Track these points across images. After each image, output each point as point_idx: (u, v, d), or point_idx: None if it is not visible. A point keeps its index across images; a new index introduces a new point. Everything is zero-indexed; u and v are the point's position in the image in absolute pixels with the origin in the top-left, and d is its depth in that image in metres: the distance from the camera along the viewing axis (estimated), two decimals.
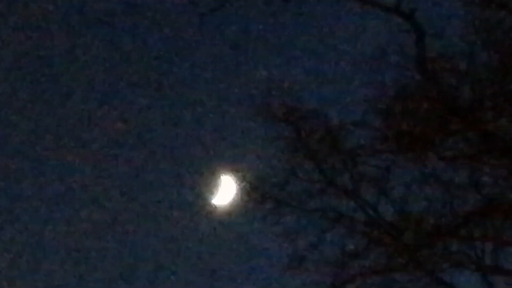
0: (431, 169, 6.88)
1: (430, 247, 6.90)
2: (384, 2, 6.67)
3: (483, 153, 6.75)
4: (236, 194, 6.88)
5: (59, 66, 9.44)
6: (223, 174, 6.90)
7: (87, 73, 9.10)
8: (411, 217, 6.81)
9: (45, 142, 9.67)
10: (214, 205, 7.00)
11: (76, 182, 9.74)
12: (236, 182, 6.88)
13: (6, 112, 9.55)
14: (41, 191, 9.83)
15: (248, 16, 7.02)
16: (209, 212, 7.12)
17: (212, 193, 6.95)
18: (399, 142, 6.87)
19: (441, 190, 6.85)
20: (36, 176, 9.84)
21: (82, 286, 9.47)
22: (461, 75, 6.79)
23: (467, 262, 7.05)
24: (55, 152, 9.62)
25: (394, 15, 6.62)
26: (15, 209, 9.83)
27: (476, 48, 6.74)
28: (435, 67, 6.73)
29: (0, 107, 9.37)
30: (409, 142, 6.75)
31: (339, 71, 6.87)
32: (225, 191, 6.90)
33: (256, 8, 6.74)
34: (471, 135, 6.84)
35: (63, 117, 9.57)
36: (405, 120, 6.80)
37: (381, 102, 6.79)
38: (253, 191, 6.86)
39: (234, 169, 6.95)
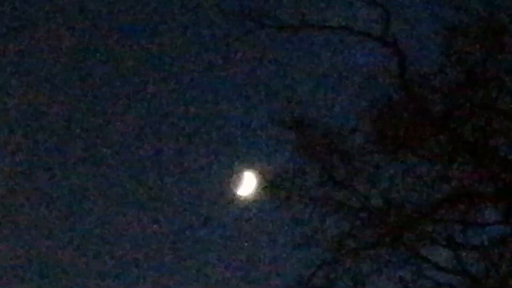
0: (411, 166, 8.55)
1: (411, 228, 8.58)
2: (372, 33, 8.31)
3: (452, 153, 8.41)
4: (256, 187, 8.58)
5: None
6: (246, 170, 8.61)
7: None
8: (395, 204, 8.48)
9: None
10: (238, 195, 8.73)
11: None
12: (256, 177, 8.57)
13: None
14: None
15: None
16: (234, 201, 8.88)
17: (237, 185, 8.67)
18: (385, 145, 8.54)
19: (419, 182, 8.51)
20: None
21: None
22: (435, 91, 8.45)
23: (440, 239, 8.75)
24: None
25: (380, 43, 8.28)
26: None
27: (447, 68, 8.40)
28: (414, 84, 8.39)
29: None
30: (394, 145, 8.41)
31: (338, 89, 8.53)
32: (248, 184, 8.60)
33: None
34: (443, 139, 8.50)
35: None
36: (390, 127, 8.46)
37: (371, 113, 8.45)
38: (269, 185, 8.56)
39: (254, 167, 8.65)
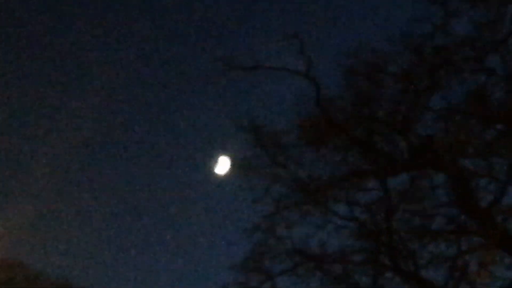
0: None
1: None
2: (297, 69, 13.34)
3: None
4: (228, 168, 13.76)
5: None
6: (221, 155, 13.80)
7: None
8: None
9: None
10: (216, 173, 13.90)
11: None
12: (228, 161, 13.75)
13: None
14: None
15: None
16: (212, 178, 14.15)
17: (214, 165, 13.86)
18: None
19: None
20: None
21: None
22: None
23: None
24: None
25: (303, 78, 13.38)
26: None
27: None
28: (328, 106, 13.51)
29: None
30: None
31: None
32: (222, 165, 13.75)
33: None
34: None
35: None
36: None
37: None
38: (236, 166, 13.71)
39: (226, 154, 13.84)
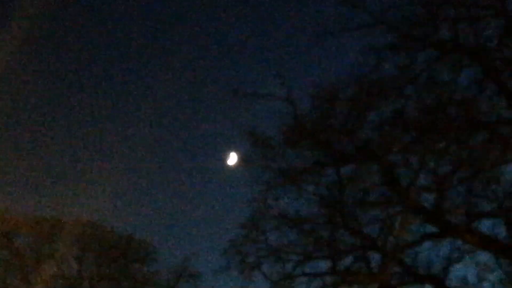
0: None
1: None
2: (281, 96, 20.32)
3: None
4: (237, 161, 20.91)
5: None
6: (232, 152, 20.97)
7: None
8: None
9: None
10: (228, 165, 21.09)
11: None
12: (236, 156, 20.91)
13: None
14: None
15: None
16: (225, 168, 21.38)
17: (227, 159, 21.03)
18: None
19: None
20: None
21: None
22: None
23: None
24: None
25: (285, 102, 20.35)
26: None
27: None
28: (301, 119, 20.53)
29: None
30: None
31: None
32: (233, 158, 20.93)
33: None
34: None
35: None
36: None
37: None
38: (243, 159, 20.87)
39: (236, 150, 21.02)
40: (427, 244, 19.73)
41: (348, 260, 20.38)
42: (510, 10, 17.35)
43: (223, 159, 21.62)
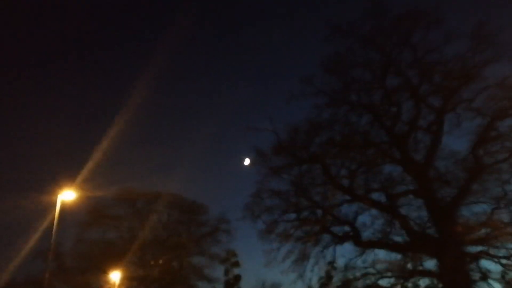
0: None
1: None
2: (270, 128, 39.33)
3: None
4: (249, 163, 39.97)
5: None
6: (247, 158, 40.01)
7: None
8: None
9: None
10: (245, 165, 40.10)
11: None
12: (250, 160, 39.93)
13: None
14: None
15: None
16: (243, 167, 40.52)
17: (244, 162, 40.12)
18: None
19: None
20: None
21: None
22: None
23: None
24: None
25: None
26: None
27: None
28: (282, 143, 39.66)
29: None
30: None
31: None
32: (247, 162, 40.00)
33: None
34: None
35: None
36: None
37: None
38: (252, 163, 39.91)
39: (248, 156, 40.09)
40: (345, 205, 39.49)
41: (305, 213, 39.82)
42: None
43: (241, 162, 40.75)
